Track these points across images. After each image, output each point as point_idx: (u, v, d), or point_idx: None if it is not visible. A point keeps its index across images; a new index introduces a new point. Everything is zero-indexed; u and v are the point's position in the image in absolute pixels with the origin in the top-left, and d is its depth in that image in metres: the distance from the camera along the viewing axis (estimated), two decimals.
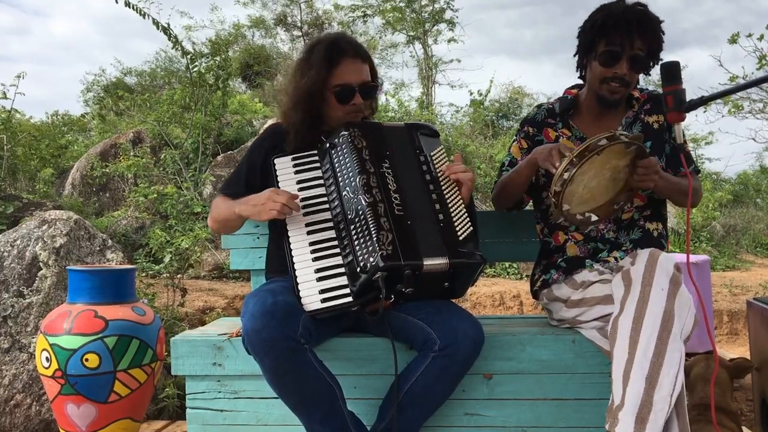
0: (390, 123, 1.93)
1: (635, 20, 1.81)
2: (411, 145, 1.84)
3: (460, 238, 1.71)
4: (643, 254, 1.70)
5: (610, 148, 1.66)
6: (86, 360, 2.04)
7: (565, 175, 1.66)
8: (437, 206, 1.75)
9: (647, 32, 1.83)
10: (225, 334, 1.96)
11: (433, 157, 1.83)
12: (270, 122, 6.04)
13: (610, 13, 1.84)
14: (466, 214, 1.76)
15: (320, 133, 1.94)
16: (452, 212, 1.75)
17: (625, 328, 1.60)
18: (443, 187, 1.78)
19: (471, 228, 1.74)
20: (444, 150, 1.87)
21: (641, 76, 2.03)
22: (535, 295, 2.13)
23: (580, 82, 2.09)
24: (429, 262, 1.65)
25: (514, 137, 2.15)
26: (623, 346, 1.58)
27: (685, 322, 1.60)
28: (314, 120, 1.93)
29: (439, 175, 1.80)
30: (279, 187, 1.81)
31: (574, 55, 2.00)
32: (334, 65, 1.87)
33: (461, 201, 1.78)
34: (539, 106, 2.13)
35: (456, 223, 1.73)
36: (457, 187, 1.80)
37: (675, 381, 1.52)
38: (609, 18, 1.84)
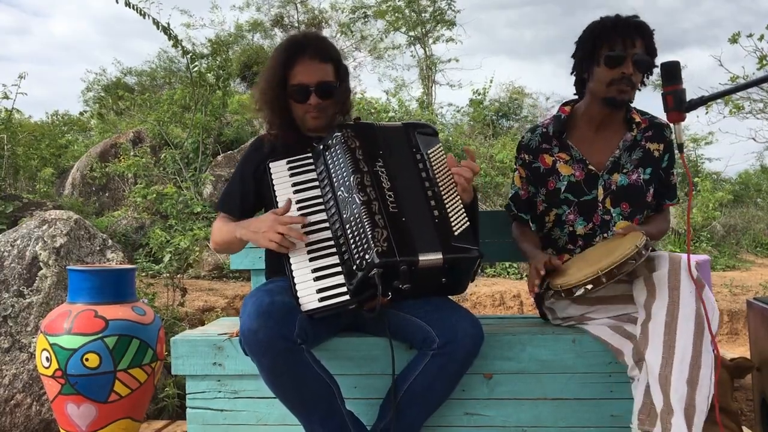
0: (386, 123, 1.94)
1: (633, 24, 1.90)
2: (408, 144, 1.84)
3: (456, 233, 1.71)
4: (663, 259, 1.69)
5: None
6: (86, 360, 2.04)
7: (589, 287, 1.69)
8: (433, 203, 1.75)
9: (645, 35, 1.90)
10: (225, 334, 1.96)
11: (431, 155, 1.83)
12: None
13: (608, 21, 1.93)
14: (463, 210, 1.77)
15: (302, 135, 1.96)
16: (448, 208, 1.75)
17: (658, 334, 1.60)
18: (440, 184, 1.78)
19: (467, 223, 1.74)
20: (442, 148, 1.87)
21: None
22: (538, 297, 2.13)
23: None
24: (424, 258, 1.65)
25: (515, 164, 2.18)
26: (657, 352, 1.59)
27: (713, 322, 1.62)
28: (289, 120, 1.96)
29: (436, 172, 1.81)
30: (275, 191, 1.81)
31: (572, 73, 2.07)
32: (291, 66, 1.91)
33: (458, 197, 1.78)
34: (533, 130, 2.13)
35: (452, 219, 1.73)
36: (455, 183, 1.80)
37: (710, 382, 1.55)
38: (608, 24, 1.92)
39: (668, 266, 1.66)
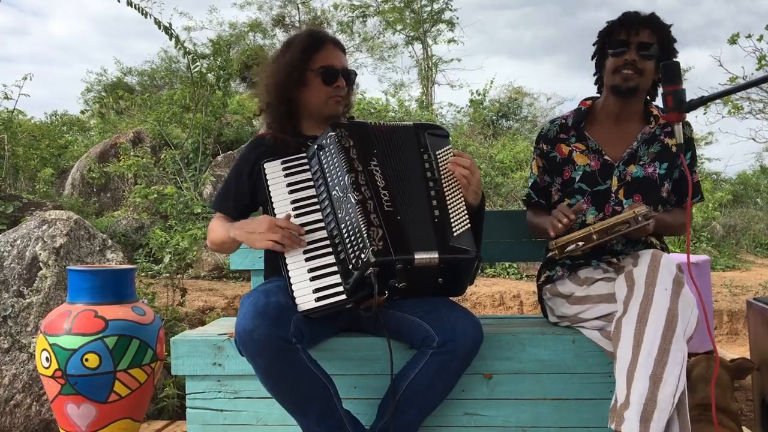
0: (394, 123, 1.95)
1: (639, 16, 1.95)
2: (416, 144, 1.84)
3: (455, 234, 1.71)
4: (646, 255, 1.70)
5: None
6: (86, 360, 2.04)
7: (580, 243, 1.75)
8: (434, 202, 1.75)
9: (652, 24, 1.94)
10: (225, 334, 1.96)
11: (439, 156, 1.83)
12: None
13: (616, 19, 1.99)
14: (465, 212, 1.77)
15: (300, 134, 1.97)
16: (450, 209, 1.75)
17: (629, 328, 1.60)
18: (444, 185, 1.79)
19: (468, 225, 1.75)
20: (452, 150, 1.87)
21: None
22: (539, 290, 2.14)
23: (593, 94, 2.16)
24: (420, 256, 1.66)
25: (533, 154, 2.19)
26: (627, 346, 1.59)
27: (689, 322, 1.61)
28: (292, 108, 1.97)
29: (442, 173, 1.81)
30: (270, 191, 1.81)
31: (594, 74, 2.12)
32: (317, 50, 1.95)
33: (462, 199, 1.78)
34: (552, 122, 2.17)
35: (452, 220, 1.73)
36: (460, 185, 1.80)
37: (678, 380, 1.54)
38: (615, 21, 1.98)
39: (648, 262, 1.67)
